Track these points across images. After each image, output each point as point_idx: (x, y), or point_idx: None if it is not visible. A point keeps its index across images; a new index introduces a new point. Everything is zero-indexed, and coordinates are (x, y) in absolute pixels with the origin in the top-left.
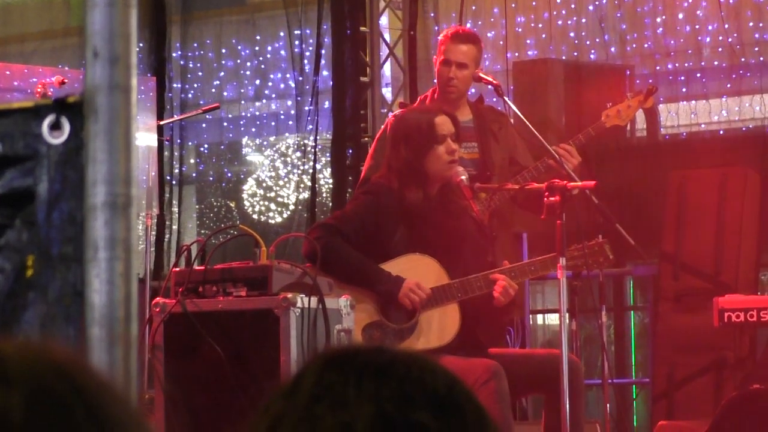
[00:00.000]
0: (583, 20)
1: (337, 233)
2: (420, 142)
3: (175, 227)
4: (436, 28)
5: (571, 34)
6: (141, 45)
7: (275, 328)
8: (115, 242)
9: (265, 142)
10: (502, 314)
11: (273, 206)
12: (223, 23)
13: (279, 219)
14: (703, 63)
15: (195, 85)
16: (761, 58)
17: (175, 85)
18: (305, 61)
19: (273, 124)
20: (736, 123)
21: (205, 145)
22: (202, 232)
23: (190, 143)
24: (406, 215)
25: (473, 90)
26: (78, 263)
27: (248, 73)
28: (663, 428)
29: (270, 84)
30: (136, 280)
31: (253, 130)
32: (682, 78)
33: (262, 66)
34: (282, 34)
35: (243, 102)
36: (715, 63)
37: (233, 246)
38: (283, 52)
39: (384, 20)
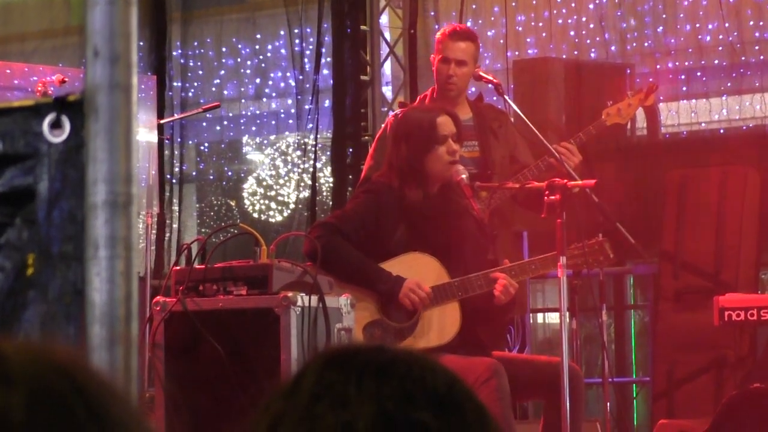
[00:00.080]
0: (584, 19)
1: (338, 232)
2: (421, 141)
3: (175, 226)
4: (437, 26)
5: (572, 33)
6: (141, 44)
7: (275, 327)
8: (116, 241)
9: (265, 141)
10: (502, 313)
11: (273, 205)
12: (224, 22)
13: (279, 218)
14: (703, 62)
15: (195, 84)
16: (762, 57)
17: (175, 84)
18: (305, 60)
19: (273, 122)
20: (737, 122)
21: (206, 144)
22: (203, 230)
23: (190, 142)
24: (406, 214)
25: (473, 89)
26: (78, 262)
27: (248, 71)
28: (663, 427)
29: (270, 83)
30: (136, 278)
31: (254, 128)
32: (683, 77)
33: (263, 65)
34: (282, 32)
35: (243, 101)
36: (716, 62)
37: (233, 245)
38: (283, 51)
39: (384, 19)
